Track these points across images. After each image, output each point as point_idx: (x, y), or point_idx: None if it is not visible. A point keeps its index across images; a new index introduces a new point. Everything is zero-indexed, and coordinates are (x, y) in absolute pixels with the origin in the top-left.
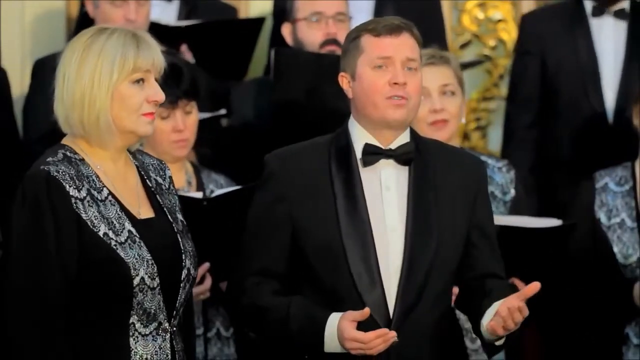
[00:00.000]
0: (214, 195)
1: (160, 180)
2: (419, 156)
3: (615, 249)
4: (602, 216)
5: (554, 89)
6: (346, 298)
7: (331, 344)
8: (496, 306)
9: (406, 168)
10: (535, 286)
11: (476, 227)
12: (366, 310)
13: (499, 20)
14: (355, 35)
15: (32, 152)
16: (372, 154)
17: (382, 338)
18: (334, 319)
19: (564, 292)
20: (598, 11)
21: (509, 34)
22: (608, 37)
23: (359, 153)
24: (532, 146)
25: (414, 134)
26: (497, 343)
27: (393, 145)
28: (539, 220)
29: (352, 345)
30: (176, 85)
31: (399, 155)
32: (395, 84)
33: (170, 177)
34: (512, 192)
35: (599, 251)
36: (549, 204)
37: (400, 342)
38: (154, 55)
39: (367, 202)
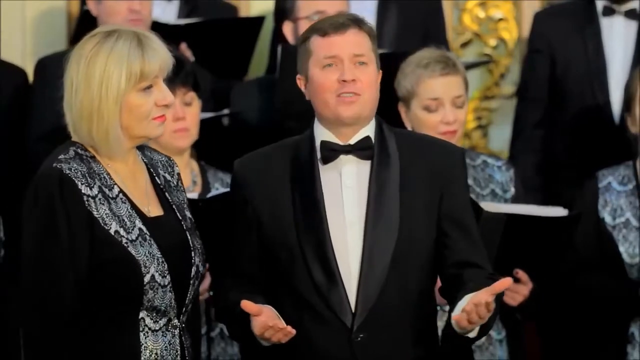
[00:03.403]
0: (208, 196)
1: (168, 177)
2: (385, 149)
3: (621, 249)
4: (606, 216)
5: (562, 88)
6: (309, 298)
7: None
8: (467, 299)
9: (368, 163)
10: (506, 281)
11: (447, 217)
12: (250, 306)
13: (500, 19)
14: (303, 38)
15: (32, 151)
16: (330, 150)
17: (272, 328)
18: None
19: (568, 289)
20: (609, 11)
21: (510, 33)
22: (618, 37)
23: (319, 151)
24: (540, 145)
25: (381, 126)
26: (470, 335)
27: (352, 141)
28: (545, 209)
29: (260, 338)
30: (174, 74)
31: (358, 151)
32: (344, 81)
33: (179, 174)
34: (512, 190)
35: (603, 250)
36: (555, 203)
37: (365, 338)
38: (160, 60)
39: (326, 200)
